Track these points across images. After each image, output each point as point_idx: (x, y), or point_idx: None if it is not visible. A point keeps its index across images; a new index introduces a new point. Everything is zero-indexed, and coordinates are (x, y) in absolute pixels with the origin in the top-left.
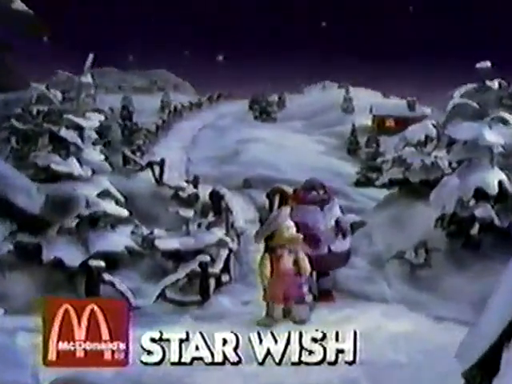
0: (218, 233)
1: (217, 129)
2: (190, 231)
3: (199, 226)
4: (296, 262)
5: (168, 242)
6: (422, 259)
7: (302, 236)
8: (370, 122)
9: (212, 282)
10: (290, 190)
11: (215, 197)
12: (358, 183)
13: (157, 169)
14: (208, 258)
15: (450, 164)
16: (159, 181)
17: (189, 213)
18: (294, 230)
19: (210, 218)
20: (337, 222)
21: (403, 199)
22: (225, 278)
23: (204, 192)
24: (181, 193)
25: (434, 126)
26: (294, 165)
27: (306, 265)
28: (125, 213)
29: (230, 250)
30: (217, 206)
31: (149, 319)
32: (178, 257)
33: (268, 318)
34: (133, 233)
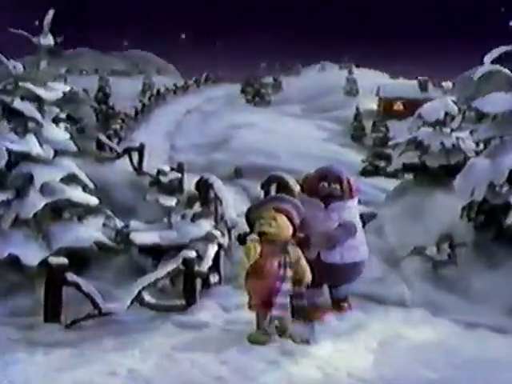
0: (206, 225)
1: (204, 113)
2: (172, 223)
3: (183, 217)
4: (283, 265)
5: (146, 236)
6: (446, 255)
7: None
8: (375, 106)
9: (198, 282)
10: (289, 178)
11: (203, 186)
12: (364, 172)
13: (135, 156)
14: (194, 255)
15: (477, 144)
16: (138, 169)
17: (171, 201)
18: (278, 223)
19: (196, 208)
20: (340, 226)
21: (420, 187)
22: (214, 278)
23: (190, 182)
24: (161, 178)
25: (455, 103)
26: (292, 152)
27: (303, 272)
28: (94, 201)
29: (220, 246)
30: (204, 196)
31: (122, 328)
32: (157, 253)
33: (260, 332)
34: (104, 225)
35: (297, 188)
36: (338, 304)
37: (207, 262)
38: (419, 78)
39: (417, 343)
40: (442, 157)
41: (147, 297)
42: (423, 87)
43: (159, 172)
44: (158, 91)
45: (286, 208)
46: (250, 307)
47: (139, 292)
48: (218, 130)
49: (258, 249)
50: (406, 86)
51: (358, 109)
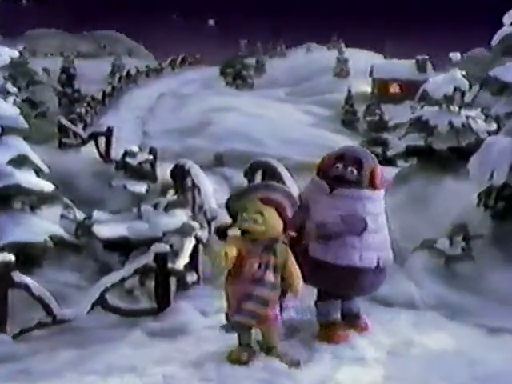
0: (182, 216)
1: (180, 97)
2: (142, 214)
3: (155, 206)
4: (264, 267)
5: (111, 229)
6: (460, 249)
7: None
8: (368, 88)
9: (173, 282)
10: (277, 164)
11: (178, 173)
12: None
13: (102, 142)
14: (167, 249)
15: (497, 120)
16: (105, 156)
17: (140, 187)
18: (265, 217)
19: (171, 196)
20: (343, 217)
21: (425, 173)
22: (191, 277)
23: (164, 171)
24: (129, 160)
25: (465, 77)
26: (277, 138)
27: (290, 277)
28: (49, 187)
29: (198, 240)
30: (180, 184)
31: (81, 338)
32: (125, 248)
33: (242, 350)
34: (62, 217)
35: (286, 175)
36: (349, 321)
37: (183, 259)
38: (418, 57)
39: (432, 353)
40: (450, 138)
41: (112, 299)
42: (421, 67)
43: (126, 153)
44: (129, 73)
45: (275, 199)
46: (227, 319)
47: (102, 294)
48: (196, 114)
49: (234, 252)
50: (402, 66)
51: (349, 91)
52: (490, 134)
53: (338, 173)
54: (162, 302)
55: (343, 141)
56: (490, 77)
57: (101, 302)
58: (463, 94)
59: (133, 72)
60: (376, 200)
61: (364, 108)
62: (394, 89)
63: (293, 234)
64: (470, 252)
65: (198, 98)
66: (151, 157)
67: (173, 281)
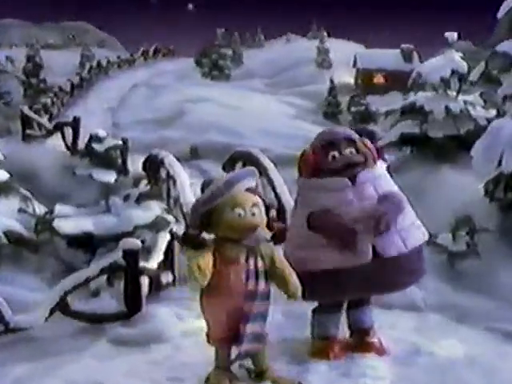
0: (155, 208)
1: (153, 87)
2: (110, 206)
3: (126, 198)
4: (254, 275)
5: (76, 223)
6: (464, 245)
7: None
8: (351, 79)
9: (145, 283)
10: (259, 154)
11: (152, 163)
12: None
13: (69, 133)
14: (139, 245)
15: (496, 105)
16: (72, 148)
17: (108, 176)
18: (259, 210)
19: (143, 187)
20: (381, 199)
21: (420, 162)
22: (166, 277)
23: (136, 164)
24: (95, 145)
25: (463, 59)
26: (257, 129)
27: (288, 280)
28: (3, 176)
29: (173, 236)
30: (154, 175)
31: (39, 348)
32: (91, 245)
33: (221, 375)
34: (20, 211)
35: (270, 166)
36: (361, 338)
37: (157, 256)
38: (403, 46)
39: (442, 361)
40: (447, 125)
41: (74, 304)
42: (407, 57)
43: (92, 138)
44: (99, 64)
45: (255, 186)
46: (208, 341)
47: (62, 298)
48: (170, 104)
49: (209, 261)
50: (387, 56)
51: (332, 81)
52: (489, 121)
53: (342, 161)
54: (133, 305)
55: None
56: (496, 53)
57: (61, 307)
58: (461, 77)
59: (103, 63)
60: (385, 172)
61: (347, 100)
62: (379, 79)
63: (281, 226)
64: (476, 247)
65: (172, 89)
66: (120, 142)
67: (145, 281)
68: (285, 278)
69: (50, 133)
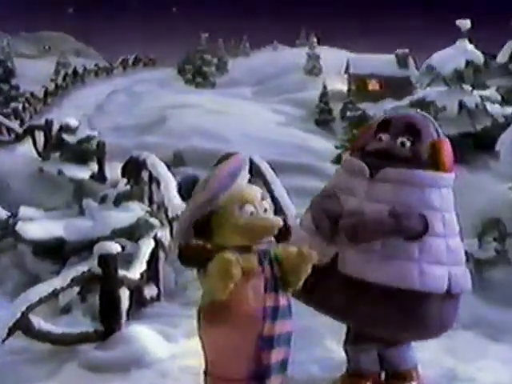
0: (136, 209)
1: (133, 94)
2: (84, 208)
3: (103, 199)
4: (272, 286)
5: (43, 228)
6: (493, 251)
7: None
8: (343, 86)
9: (125, 296)
10: (256, 158)
11: (132, 167)
12: (339, 160)
13: (41, 137)
14: (118, 249)
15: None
16: (43, 154)
17: (81, 173)
18: (269, 204)
19: (121, 187)
20: (394, 211)
21: None
22: (149, 291)
23: (114, 171)
24: (66, 136)
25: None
26: (244, 136)
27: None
28: None
29: (158, 242)
30: (135, 178)
31: None
32: (60, 253)
33: None
34: None
35: (268, 171)
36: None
37: (139, 265)
38: (398, 51)
39: None
40: (462, 122)
41: (39, 322)
42: (402, 62)
43: (62, 128)
44: (75, 71)
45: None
46: (205, 373)
47: (24, 314)
48: (151, 110)
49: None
50: (381, 61)
51: (325, 87)
52: (507, 118)
53: (380, 146)
54: (110, 323)
55: (318, 141)
56: None
57: (22, 326)
58: (476, 69)
59: (80, 70)
60: (443, 188)
61: (340, 107)
62: (373, 85)
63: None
64: (506, 254)
65: (153, 96)
66: (96, 132)
67: (125, 294)
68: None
69: (20, 138)
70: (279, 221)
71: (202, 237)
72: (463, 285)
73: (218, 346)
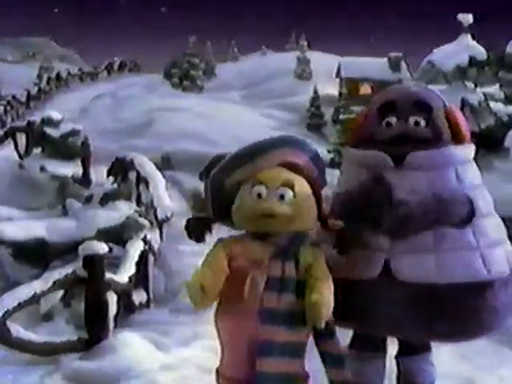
0: (124, 208)
1: (118, 98)
2: (68, 208)
3: (88, 200)
4: (279, 285)
5: (23, 228)
6: None
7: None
8: (335, 91)
9: (113, 302)
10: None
11: (118, 168)
12: (333, 164)
13: (22, 139)
14: (105, 250)
15: None
16: (25, 157)
17: (65, 169)
18: (297, 195)
19: (108, 186)
20: (437, 197)
21: None
22: (138, 296)
23: (100, 175)
24: (48, 130)
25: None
26: (234, 139)
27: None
28: None
29: (146, 244)
30: (122, 178)
31: None
32: (42, 255)
33: None
34: None
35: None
36: None
37: (128, 268)
38: (391, 54)
39: None
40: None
41: (18, 329)
42: (395, 66)
43: (44, 121)
44: (58, 75)
45: (303, 164)
46: (218, 374)
47: (0, 321)
48: (138, 113)
49: (219, 276)
50: (373, 65)
51: (316, 92)
52: (510, 117)
53: (394, 131)
54: (96, 331)
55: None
56: None
57: (0, 334)
58: (480, 65)
59: (64, 75)
60: (472, 161)
61: (332, 111)
62: (366, 89)
63: (339, 224)
64: None
65: (139, 99)
66: (81, 127)
67: (112, 299)
68: (312, 286)
69: (1, 140)
70: (284, 209)
71: (222, 213)
72: (496, 272)
73: (224, 342)
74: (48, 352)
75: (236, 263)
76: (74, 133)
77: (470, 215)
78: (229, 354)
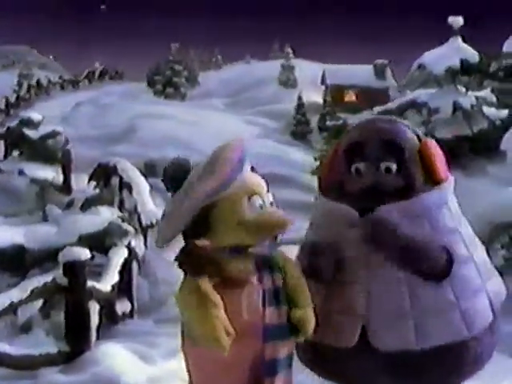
0: (106, 213)
1: (100, 105)
2: (47, 213)
3: (69, 205)
4: (273, 299)
5: (0, 234)
6: (502, 260)
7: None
8: (320, 98)
9: (95, 311)
10: None
11: (100, 174)
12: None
13: (1, 146)
14: (87, 256)
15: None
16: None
17: (44, 173)
18: (272, 201)
19: (90, 191)
20: (409, 247)
21: None
22: (121, 306)
23: (79, 183)
24: (27, 131)
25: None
26: (219, 145)
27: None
28: None
29: (131, 251)
30: (104, 184)
31: None
32: (20, 263)
33: None
34: None
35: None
36: None
37: (111, 276)
38: (376, 61)
39: None
40: (457, 124)
41: None
42: (380, 73)
43: (23, 122)
44: (39, 83)
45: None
46: None
47: None
48: (120, 120)
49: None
50: (358, 72)
51: (300, 98)
52: (502, 121)
53: (365, 182)
54: (78, 342)
55: (295, 152)
56: None
57: None
58: (470, 68)
59: (44, 82)
60: (449, 201)
61: (317, 118)
62: (350, 97)
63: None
64: None
65: (121, 107)
66: (61, 128)
67: (95, 309)
68: (294, 298)
69: None
70: (289, 219)
71: (202, 233)
72: (501, 295)
73: (206, 368)
74: (26, 366)
75: (222, 285)
76: (53, 134)
77: (448, 266)
78: (215, 379)
